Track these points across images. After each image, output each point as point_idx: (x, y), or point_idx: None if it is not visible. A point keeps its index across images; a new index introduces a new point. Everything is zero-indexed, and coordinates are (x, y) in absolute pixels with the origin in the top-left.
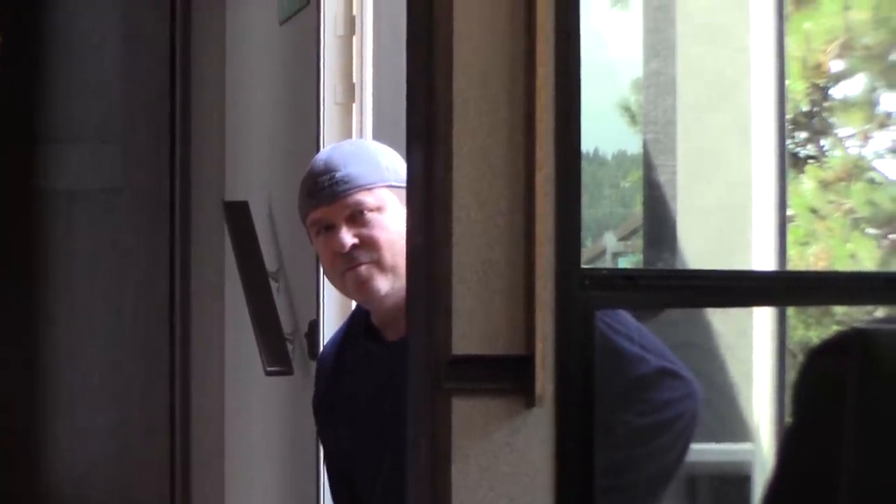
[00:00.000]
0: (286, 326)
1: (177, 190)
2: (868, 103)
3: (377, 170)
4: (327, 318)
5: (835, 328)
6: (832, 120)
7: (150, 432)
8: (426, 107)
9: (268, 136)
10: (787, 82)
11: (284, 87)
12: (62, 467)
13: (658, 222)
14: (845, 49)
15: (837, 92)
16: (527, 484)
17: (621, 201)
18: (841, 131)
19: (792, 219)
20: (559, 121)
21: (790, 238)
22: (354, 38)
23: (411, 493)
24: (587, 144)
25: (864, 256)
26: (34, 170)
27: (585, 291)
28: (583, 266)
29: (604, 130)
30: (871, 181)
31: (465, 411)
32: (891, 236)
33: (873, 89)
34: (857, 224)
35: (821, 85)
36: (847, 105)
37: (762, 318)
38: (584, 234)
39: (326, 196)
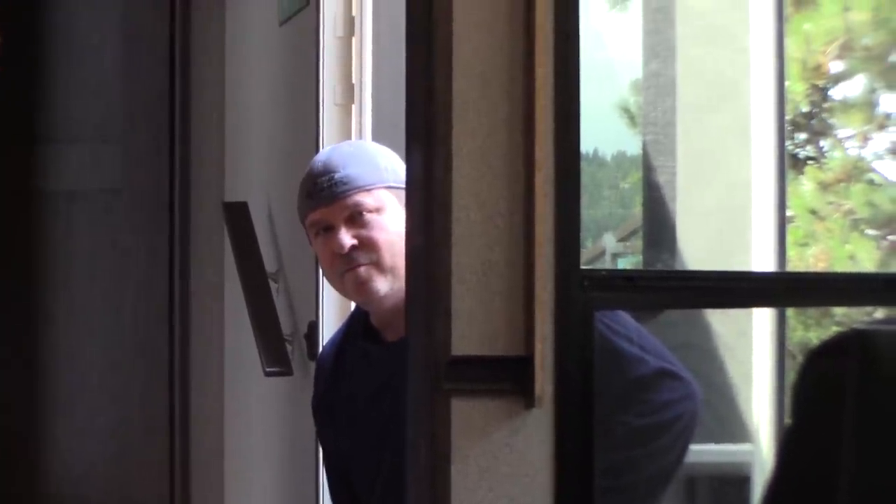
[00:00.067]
0: (285, 327)
1: (176, 190)
2: (868, 104)
3: (376, 171)
4: (326, 319)
5: (834, 329)
6: (832, 121)
7: (149, 432)
8: (425, 108)
9: (267, 136)
10: (786, 83)
11: (284, 88)
12: (61, 467)
13: (657, 223)
14: (845, 50)
15: (837, 93)
16: (526, 484)
17: (621, 202)
18: (840, 132)
19: (791, 220)
20: (558, 122)
21: (790, 239)
22: (354, 39)
23: (411, 493)
24: (587, 145)
25: (864, 257)
26: (34, 170)
27: (585, 292)
28: (582, 267)
29: (603, 131)
30: (871, 182)
31: (465, 412)
32: (890, 237)
33: (873, 90)
34: (856, 225)
35: (820, 86)
36: (847, 106)
37: (762, 319)
38: (583, 234)
39: (325, 197)
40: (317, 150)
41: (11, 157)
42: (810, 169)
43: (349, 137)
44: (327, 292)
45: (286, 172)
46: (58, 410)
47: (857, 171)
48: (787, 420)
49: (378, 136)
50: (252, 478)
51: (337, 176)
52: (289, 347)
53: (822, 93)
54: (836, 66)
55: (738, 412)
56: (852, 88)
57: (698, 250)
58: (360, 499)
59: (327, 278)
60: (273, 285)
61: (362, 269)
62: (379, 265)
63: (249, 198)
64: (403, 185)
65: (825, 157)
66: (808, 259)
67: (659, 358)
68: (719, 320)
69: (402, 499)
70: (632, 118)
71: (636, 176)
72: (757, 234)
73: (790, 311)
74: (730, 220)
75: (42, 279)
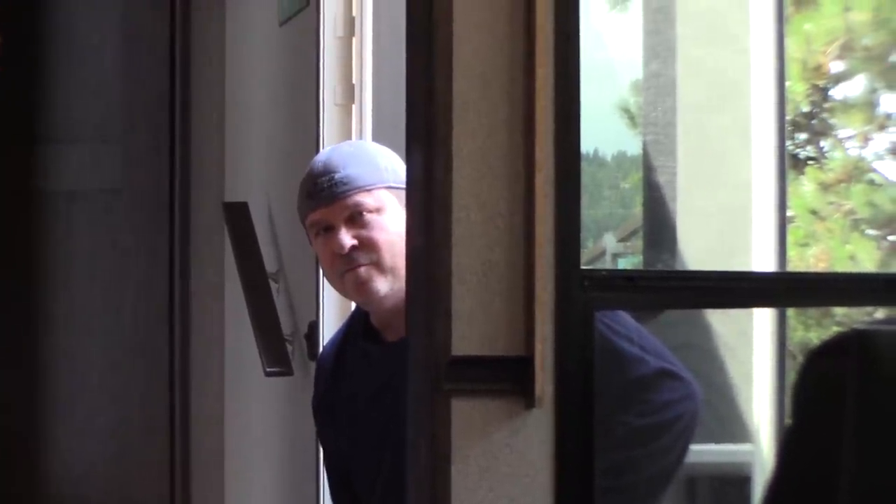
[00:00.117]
0: (286, 327)
1: (176, 190)
2: (868, 104)
3: (376, 171)
4: (327, 319)
5: (834, 329)
6: (832, 121)
7: (149, 432)
8: (426, 108)
9: (267, 136)
10: (787, 83)
11: (284, 88)
12: (61, 467)
13: (658, 223)
14: (845, 50)
15: (837, 93)
16: (526, 485)
17: (621, 202)
18: (841, 132)
19: (792, 220)
20: (559, 122)
21: (790, 239)
22: (354, 40)
23: (411, 493)
24: (587, 146)
25: (864, 258)
26: (34, 170)
27: (585, 292)
28: (582, 267)
29: (603, 132)
30: (871, 182)
31: (465, 412)
32: (890, 237)
33: (873, 90)
34: (856, 225)
35: (821, 86)
36: (847, 106)
37: (762, 319)
38: (583, 235)
39: (325, 197)
40: (317, 151)
41: (11, 157)
42: (811, 169)
43: (349, 138)
44: (327, 292)
45: (286, 172)
46: (58, 410)
47: (857, 172)
48: (788, 420)
49: (378, 137)
50: (252, 478)
51: (337, 176)
52: (289, 347)
53: (823, 93)
54: (836, 67)
55: (738, 412)
56: (853, 89)
57: (699, 250)
58: (361, 499)
59: (327, 278)
60: (273, 285)
61: (362, 270)
62: (379, 265)
63: (249, 198)
64: (404, 186)
65: (826, 158)
66: (809, 259)
67: (659, 358)
68: (720, 320)
69: (402, 499)
70: (632, 118)
71: (636, 176)
72: (757, 234)
73: (791, 312)
74: (730, 220)
75: (42, 279)
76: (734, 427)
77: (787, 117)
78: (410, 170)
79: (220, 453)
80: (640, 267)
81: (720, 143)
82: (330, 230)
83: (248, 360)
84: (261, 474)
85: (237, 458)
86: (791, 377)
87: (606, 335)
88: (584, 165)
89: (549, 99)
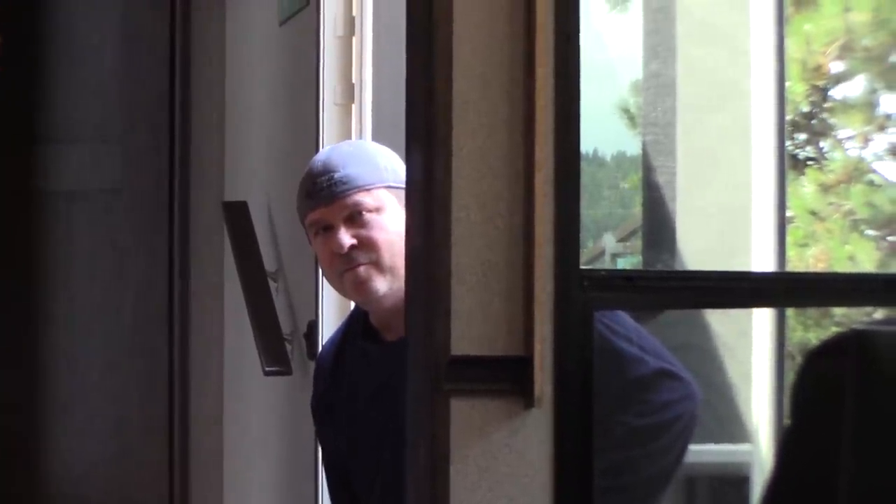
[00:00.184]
0: (285, 327)
1: (176, 190)
2: (868, 105)
3: (376, 170)
4: (326, 319)
5: (833, 330)
6: (832, 122)
7: (149, 432)
8: (425, 108)
9: (267, 136)
10: (786, 84)
11: (284, 88)
12: (61, 467)
13: (657, 223)
14: (845, 51)
15: (837, 94)
16: (526, 485)
17: (620, 202)
18: (841, 133)
19: (791, 220)
20: (559, 122)
21: (789, 239)
22: (354, 39)
23: (410, 493)
24: (586, 146)
25: (864, 258)
26: (33, 170)
27: (584, 292)
28: (582, 267)
29: (603, 132)
30: (871, 183)
31: (464, 412)
32: (890, 238)
33: (873, 91)
34: (856, 226)
35: (820, 87)
36: (847, 107)
37: (761, 319)
38: (583, 235)
39: (325, 197)
40: (317, 150)
41: (11, 157)
42: (811, 171)
43: (349, 137)
44: (327, 292)
45: (286, 172)
46: (57, 410)
47: (857, 173)
48: (787, 420)
49: (378, 136)
50: (251, 477)
51: (336, 176)
52: (288, 347)
53: (823, 93)
54: (836, 67)
55: (737, 412)
56: (852, 89)
57: (698, 250)
58: (360, 498)
59: (327, 278)
60: (273, 285)
61: (361, 269)
62: (378, 265)
63: (249, 197)
64: (403, 185)
65: (825, 158)
66: (808, 259)
67: (658, 358)
68: (719, 320)
69: (401, 498)
70: (632, 118)
71: (636, 176)
72: (757, 234)
73: (790, 312)
74: (730, 220)
75: (42, 279)
76: (733, 427)
77: (787, 118)
78: (410, 169)
79: (220, 453)
80: (640, 267)
81: (720, 143)
82: (329, 230)
83: (248, 360)
84: (260, 474)
85: (236, 458)
86: (790, 377)
87: (606, 335)
88: (583, 165)
89: (549, 99)
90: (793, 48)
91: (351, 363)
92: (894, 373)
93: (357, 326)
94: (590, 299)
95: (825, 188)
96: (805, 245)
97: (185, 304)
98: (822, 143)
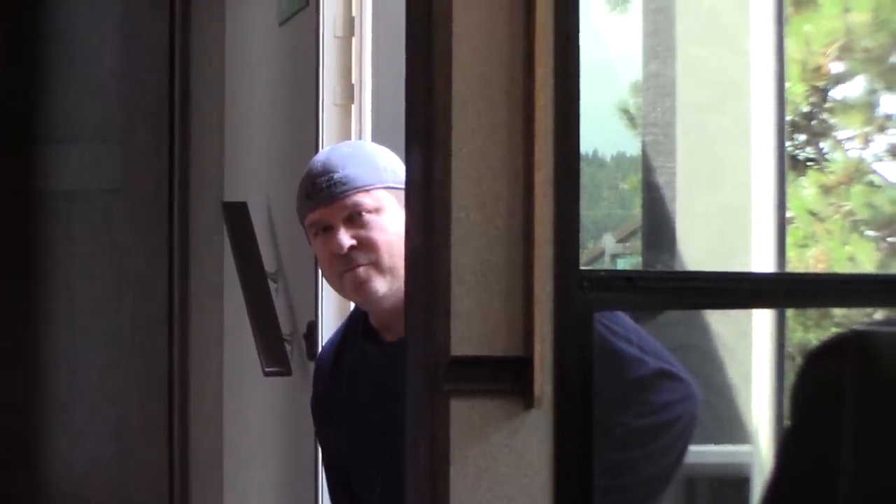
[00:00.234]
0: (285, 327)
1: (176, 190)
2: (868, 105)
3: (375, 171)
4: (326, 319)
5: (833, 330)
6: (832, 122)
7: (148, 432)
8: (425, 108)
9: (267, 136)
10: (786, 84)
11: (283, 88)
12: (61, 467)
13: (657, 224)
14: (845, 51)
15: (837, 94)
16: (525, 485)
17: (620, 203)
18: (840, 133)
19: (791, 221)
20: (558, 122)
21: (789, 240)
22: (353, 40)
23: (410, 493)
24: (586, 146)
25: (863, 259)
26: (33, 170)
27: (584, 293)
28: (581, 268)
29: (603, 132)
30: (871, 184)
31: (464, 412)
32: (890, 239)
33: (873, 92)
34: (856, 226)
35: (820, 87)
36: (847, 107)
37: (761, 320)
38: (583, 235)
39: (324, 197)
40: (316, 151)
41: (11, 157)
42: (812, 172)
43: (349, 138)
44: (326, 292)
45: (286, 172)
46: (57, 410)
47: (858, 174)
48: (787, 421)
49: (378, 137)
50: (251, 478)
51: (336, 176)
52: (288, 347)
53: (822, 94)
54: (836, 68)
55: (737, 413)
56: (852, 90)
57: (698, 251)
58: (360, 499)
59: (326, 278)
60: (272, 285)
61: (361, 270)
62: (378, 265)
63: (249, 198)
64: (402, 186)
65: (825, 159)
66: (808, 260)
67: (658, 359)
68: (719, 321)
69: (401, 499)
70: (631, 119)
71: (636, 177)
72: (757, 235)
73: (790, 313)
74: (729, 220)
75: (42, 279)
76: (733, 428)
77: (787, 118)
78: (410, 170)
79: (219, 453)
80: (640, 268)
81: (720, 143)
82: (329, 230)
83: (247, 360)
84: (260, 474)
85: (236, 458)
86: (790, 378)
87: (605, 336)
88: (583, 166)
89: (548, 99)
90: (792, 49)
91: (351, 364)
92: (894, 373)
93: (357, 327)
94: (589, 300)
95: (826, 189)
96: (805, 246)
97: (184, 305)
98: (821, 144)
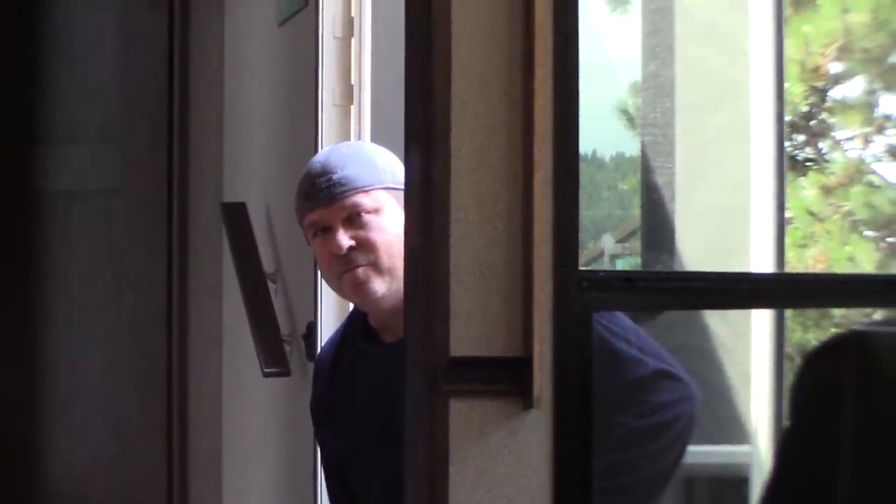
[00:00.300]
0: (284, 328)
1: (175, 191)
2: (867, 106)
3: (374, 172)
4: (325, 320)
5: (833, 331)
6: (831, 122)
7: (148, 433)
8: (424, 109)
9: (266, 137)
10: (785, 85)
11: (283, 89)
12: (60, 467)
13: (656, 224)
14: (844, 52)
15: (836, 95)
16: (525, 485)
17: (619, 203)
18: (839, 134)
19: (790, 221)
20: (557, 123)
21: (788, 240)
22: (353, 40)
23: (409, 494)
24: (585, 146)
25: (863, 259)
26: (33, 170)
27: (583, 293)
28: (581, 268)
29: (602, 132)
30: (870, 184)
31: (463, 413)
32: (889, 239)
33: (872, 92)
34: (855, 226)
35: (819, 88)
36: (846, 108)
37: (760, 320)
38: (582, 236)
39: (323, 198)
40: (315, 151)
41: (11, 157)
42: (813, 173)
43: (348, 138)
44: (325, 293)
45: (285, 173)
46: (57, 411)
47: (857, 174)
48: (786, 421)
49: (377, 137)
50: (250, 478)
51: (335, 177)
52: (287, 348)
53: (821, 94)
54: (835, 68)
55: (736, 413)
56: (851, 90)
57: (697, 251)
58: (359, 499)
59: (325, 279)
60: (271, 286)
61: (360, 270)
62: (377, 266)
63: (248, 198)
64: (402, 186)
65: (824, 159)
66: (807, 260)
67: (657, 359)
68: (718, 322)
69: (400, 499)
70: (631, 119)
71: (635, 177)
72: (756, 235)
73: (789, 313)
74: (729, 221)
75: (41, 279)
76: (732, 428)
77: (786, 118)
78: (409, 170)
79: (218, 453)
80: (639, 268)
81: (719, 144)
82: (328, 231)
83: (246, 361)
84: (259, 474)
85: (235, 459)
86: (789, 378)
87: (604, 336)
88: (582, 166)
89: (547, 99)
90: (791, 49)
91: (350, 364)
92: (893, 374)
93: (356, 328)
94: (589, 300)
95: (825, 189)
96: (804, 246)
97: (183, 305)
98: (820, 144)
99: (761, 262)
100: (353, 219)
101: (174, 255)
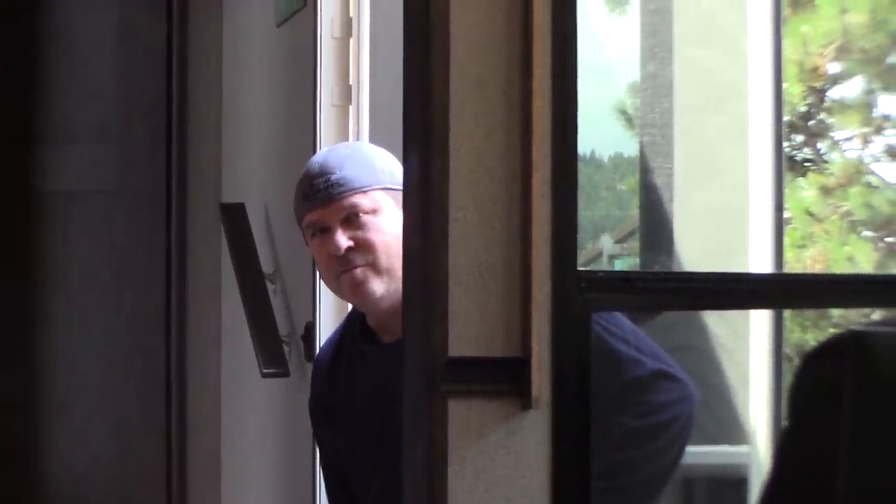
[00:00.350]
0: (282, 328)
1: (174, 191)
2: (865, 106)
3: (373, 172)
4: (323, 320)
5: (831, 331)
6: (830, 122)
7: (147, 433)
8: (423, 109)
9: (264, 137)
10: (784, 85)
11: (281, 89)
12: (60, 467)
13: (655, 225)
14: (842, 52)
15: (834, 95)
16: (523, 486)
17: (618, 204)
18: (838, 134)
19: (789, 221)
20: (556, 123)
21: (787, 241)
22: (351, 40)
23: (407, 494)
24: (584, 147)
25: (861, 259)
26: (32, 171)
27: (582, 294)
28: (579, 268)
29: (601, 133)
30: (869, 184)
31: (462, 413)
32: (887, 239)
33: (870, 92)
34: (854, 227)
35: (818, 88)
36: (844, 108)
37: (759, 320)
38: (580, 236)
39: (322, 198)
40: (314, 152)
41: (10, 158)
42: (813, 175)
43: (346, 139)
44: (324, 293)
45: (283, 173)
46: (56, 411)
47: (856, 174)
48: (784, 422)
49: (375, 138)
50: (249, 478)
51: (333, 177)
52: (286, 348)
53: (820, 95)
54: (833, 68)
55: (735, 414)
56: (850, 90)
57: (696, 252)
58: (357, 499)
59: (324, 280)
60: (270, 286)
61: (358, 271)
62: (375, 266)
63: (247, 199)
64: (400, 187)
65: (823, 160)
66: (806, 261)
67: (656, 359)
68: (716, 322)
69: (398, 499)
70: (629, 120)
71: (633, 178)
72: (754, 235)
73: (787, 313)
74: (727, 221)
75: (40, 279)
76: (731, 428)
77: (785, 119)
78: (407, 171)
79: (217, 454)
80: (637, 268)
81: (717, 144)
82: (326, 231)
83: (245, 361)
84: (257, 475)
85: (234, 459)
86: (788, 379)
87: (603, 337)
88: (581, 167)
89: (546, 100)
90: (790, 49)
91: (348, 365)
92: (892, 374)
93: (354, 328)
94: (587, 300)
95: (825, 190)
96: (803, 246)
97: (182, 305)
98: (819, 145)
99: (760, 262)
100: (352, 219)
101: (173, 255)
